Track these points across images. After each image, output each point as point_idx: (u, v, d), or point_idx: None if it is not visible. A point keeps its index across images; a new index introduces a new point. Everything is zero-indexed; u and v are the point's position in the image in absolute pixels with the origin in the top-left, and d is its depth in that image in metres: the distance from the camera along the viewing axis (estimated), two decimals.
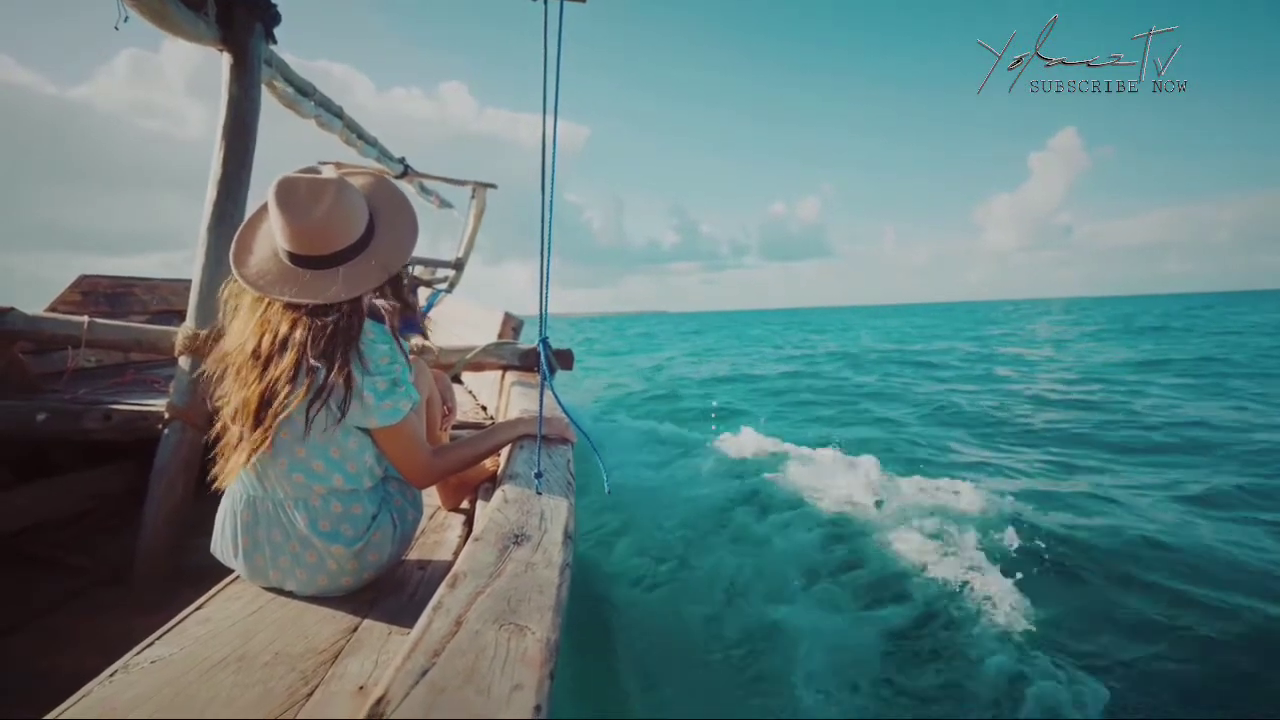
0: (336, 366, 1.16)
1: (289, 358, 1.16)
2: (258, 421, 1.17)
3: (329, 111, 3.37)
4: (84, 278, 3.46)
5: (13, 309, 2.33)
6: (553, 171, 1.24)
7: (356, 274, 1.23)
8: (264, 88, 2.49)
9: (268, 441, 1.17)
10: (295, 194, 1.20)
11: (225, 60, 2.32)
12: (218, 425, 1.23)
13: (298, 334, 1.17)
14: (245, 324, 1.23)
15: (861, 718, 3.40)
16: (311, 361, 1.15)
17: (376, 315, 1.26)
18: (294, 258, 1.22)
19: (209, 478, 1.27)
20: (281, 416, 1.16)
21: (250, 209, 2.30)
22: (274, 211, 1.21)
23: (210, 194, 2.24)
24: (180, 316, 2.28)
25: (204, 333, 2.14)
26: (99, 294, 3.52)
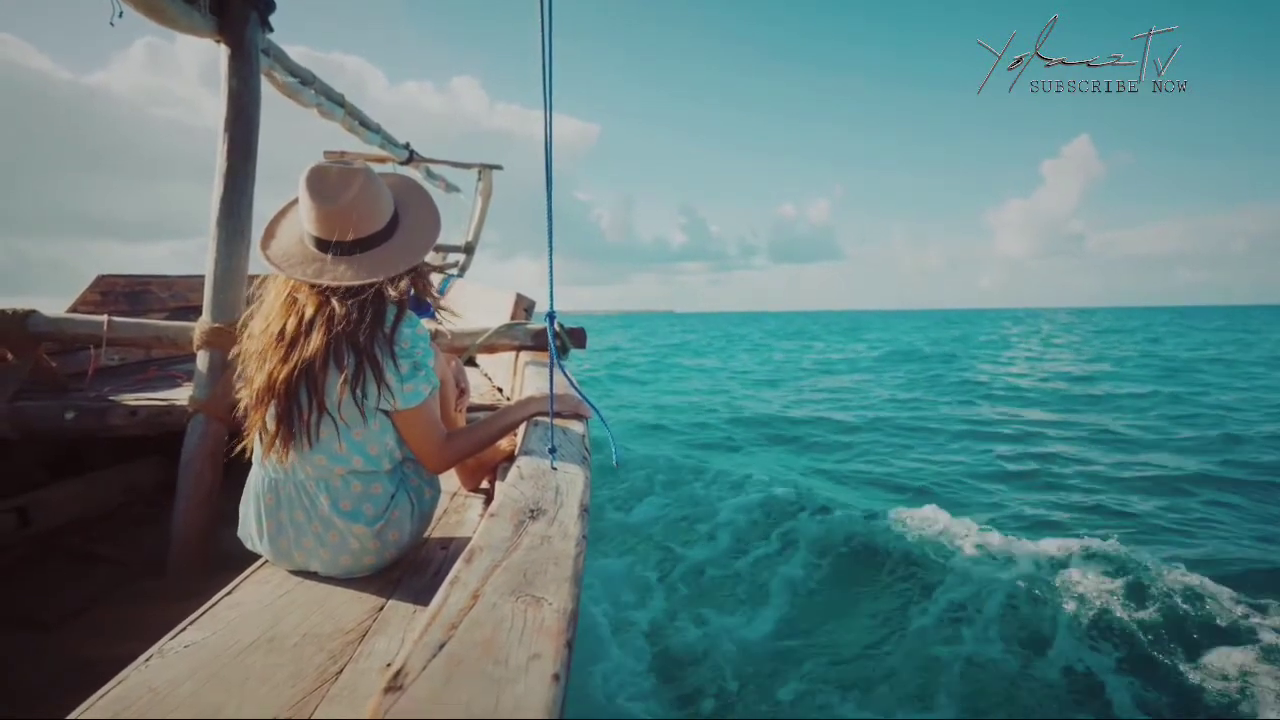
0: (365, 349, 1.19)
1: (316, 340, 1.18)
2: (289, 400, 1.19)
3: (330, 100, 3.36)
4: (102, 278, 3.51)
5: (35, 311, 2.37)
6: (550, 144, 1.22)
7: (379, 261, 1.25)
8: (263, 78, 2.48)
9: (317, 421, 1.19)
10: (326, 180, 1.23)
11: (223, 52, 2.31)
12: (241, 405, 1.27)
13: (324, 316, 1.20)
14: (271, 307, 1.26)
15: (872, 717, 3.32)
16: (341, 344, 1.18)
17: (399, 301, 1.28)
18: (319, 243, 1.25)
19: (245, 460, 1.31)
20: (330, 401, 1.18)
21: (257, 201, 2.31)
22: (303, 196, 1.23)
23: (217, 188, 2.25)
24: (198, 312, 2.30)
25: (221, 325, 2.16)
26: (117, 293, 3.57)
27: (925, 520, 5.62)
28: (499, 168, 6.05)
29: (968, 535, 5.31)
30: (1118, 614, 4.09)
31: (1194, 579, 4.32)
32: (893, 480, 7.31)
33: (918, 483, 7.11)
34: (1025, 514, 6.09)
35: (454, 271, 6.10)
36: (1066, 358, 22.70)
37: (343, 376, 1.18)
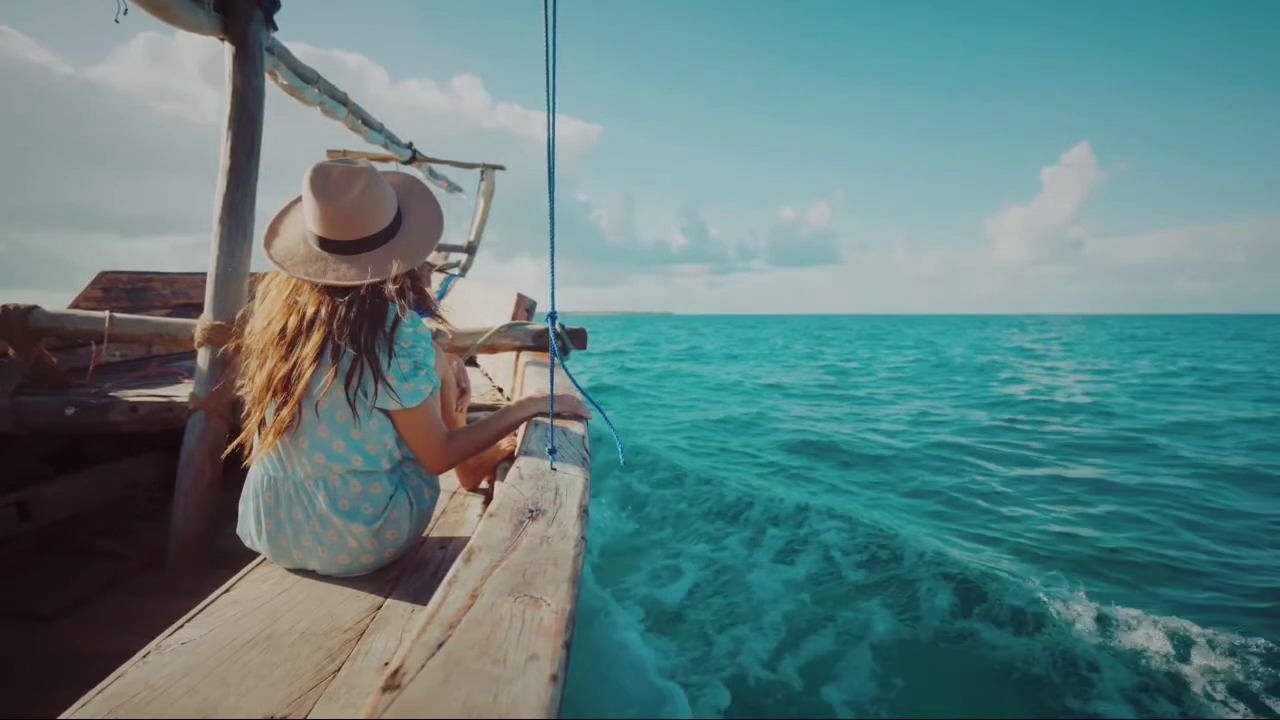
0: (364, 348, 1.19)
1: (315, 337, 1.19)
2: (285, 399, 1.19)
3: (333, 98, 3.36)
4: (104, 274, 3.52)
5: (37, 307, 2.37)
6: (552, 143, 1.23)
7: (381, 260, 1.25)
8: (267, 76, 2.48)
9: (291, 418, 1.19)
10: (329, 179, 1.23)
11: (227, 50, 2.31)
12: (246, 407, 1.27)
13: (325, 315, 1.20)
14: (273, 306, 1.26)
15: (878, 718, 3.04)
16: (338, 342, 1.18)
17: (401, 300, 1.29)
18: (323, 242, 1.25)
19: (243, 460, 1.31)
20: (314, 395, 1.18)
21: (260, 199, 2.32)
22: (307, 195, 1.24)
23: (220, 185, 2.26)
24: (199, 309, 2.31)
25: (222, 323, 2.17)
26: (119, 289, 3.58)
27: (1050, 611, 3.82)
28: (501, 168, 6.06)
29: (1125, 645, 3.50)
30: None
31: None
32: (980, 531, 5.53)
33: (1015, 538, 5.29)
34: (1191, 601, 4.08)
35: (456, 271, 6.11)
36: (1106, 368, 20.60)
37: (338, 373, 1.19)
